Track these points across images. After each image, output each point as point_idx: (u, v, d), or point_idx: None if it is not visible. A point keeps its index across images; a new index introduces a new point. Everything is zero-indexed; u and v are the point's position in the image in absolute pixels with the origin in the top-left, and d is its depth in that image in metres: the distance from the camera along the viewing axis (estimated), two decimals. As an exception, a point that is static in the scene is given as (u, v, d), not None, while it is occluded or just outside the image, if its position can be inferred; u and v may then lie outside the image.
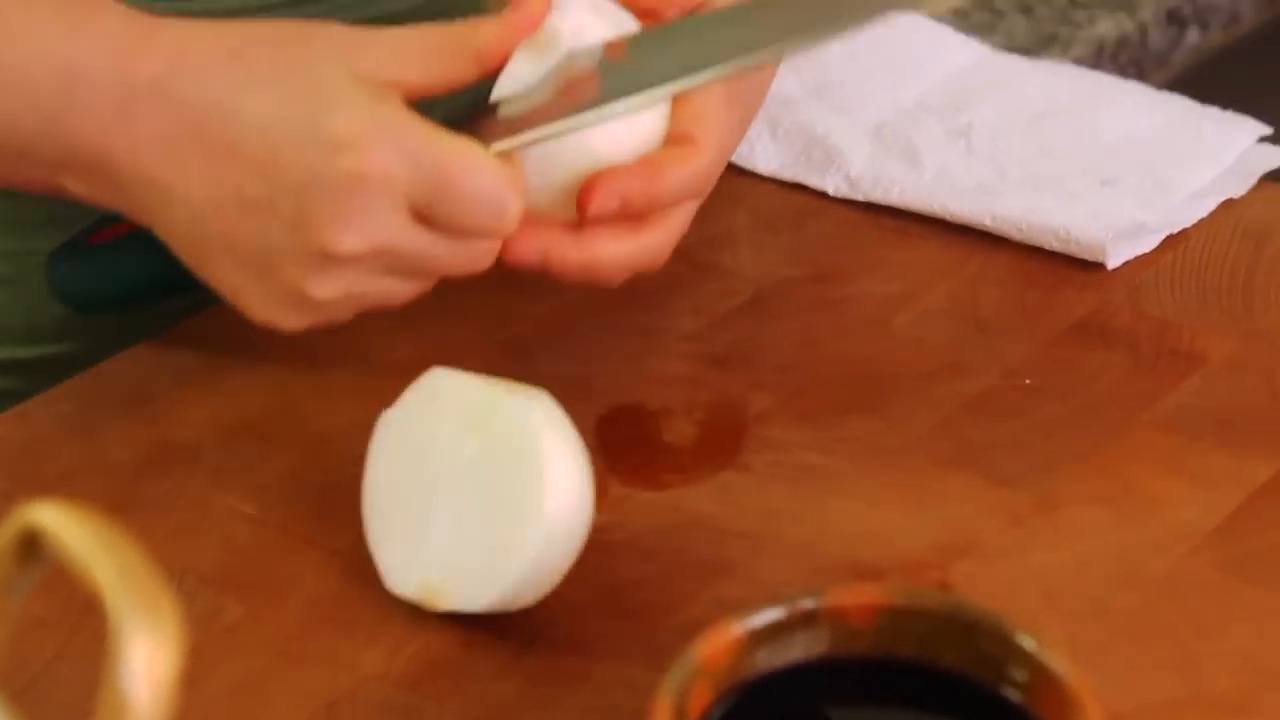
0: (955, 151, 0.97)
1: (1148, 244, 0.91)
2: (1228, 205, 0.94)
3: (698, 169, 0.78)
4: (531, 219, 0.76)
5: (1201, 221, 0.93)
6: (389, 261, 0.74)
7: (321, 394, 0.83)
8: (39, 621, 0.70)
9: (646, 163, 0.77)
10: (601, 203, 0.76)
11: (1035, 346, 0.86)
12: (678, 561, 0.74)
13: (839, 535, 0.76)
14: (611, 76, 0.76)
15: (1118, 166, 0.95)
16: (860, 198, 0.95)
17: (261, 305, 0.76)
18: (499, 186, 0.73)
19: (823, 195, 0.96)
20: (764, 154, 0.98)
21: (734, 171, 0.97)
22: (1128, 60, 1.60)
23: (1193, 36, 1.65)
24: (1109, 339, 0.86)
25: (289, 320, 0.76)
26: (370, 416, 0.81)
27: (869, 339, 0.86)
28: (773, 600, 0.62)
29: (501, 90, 0.77)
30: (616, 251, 0.78)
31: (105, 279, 0.83)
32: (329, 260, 0.73)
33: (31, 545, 0.54)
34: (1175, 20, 1.63)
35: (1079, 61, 1.54)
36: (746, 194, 0.96)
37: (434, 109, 0.75)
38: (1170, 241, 0.92)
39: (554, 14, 0.77)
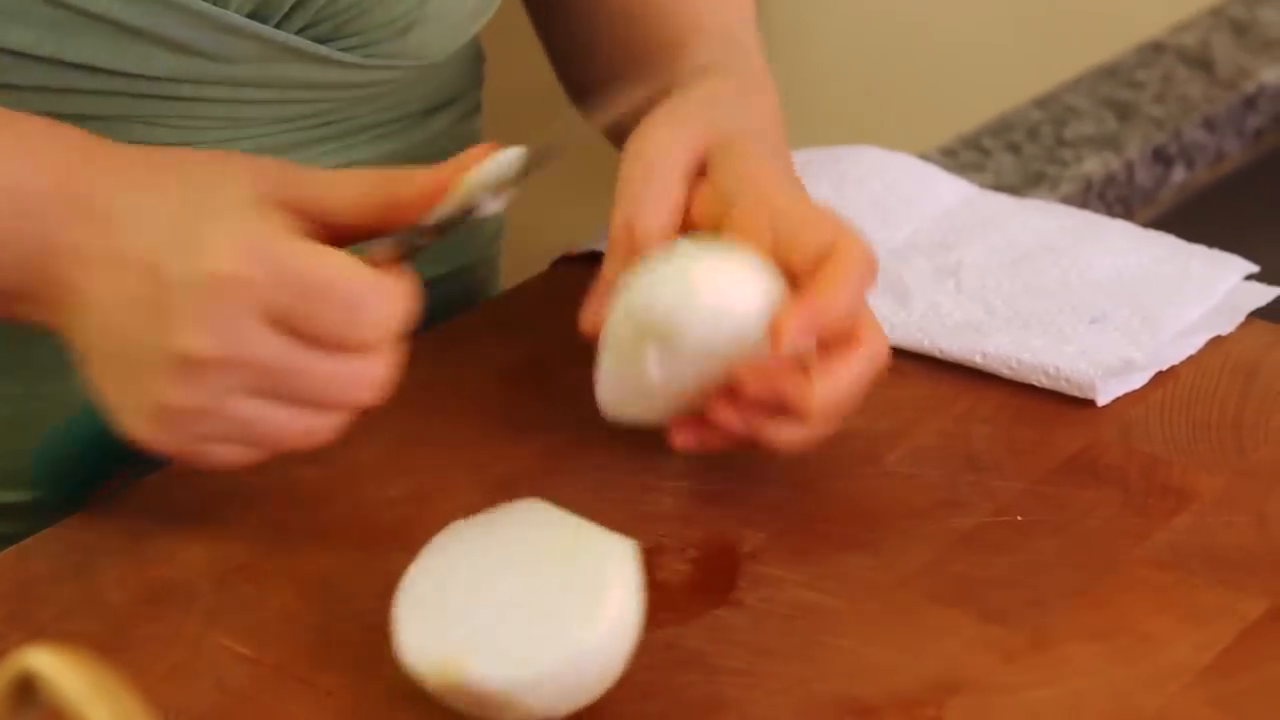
0: (944, 290, 0.97)
1: (1137, 381, 0.92)
2: (1216, 342, 0.94)
3: (855, 260, 0.81)
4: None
5: (1190, 358, 0.93)
6: (249, 375, 0.75)
7: (315, 534, 0.83)
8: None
9: (807, 297, 0.80)
10: (796, 340, 0.79)
11: (1026, 483, 0.86)
12: (672, 700, 0.74)
13: (833, 673, 0.76)
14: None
15: (1106, 304, 0.95)
16: (851, 336, 0.96)
17: (131, 417, 0.77)
18: (357, 288, 0.75)
19: (814, 333, 0.96)
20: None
21: (725, 310, 0.98)
22: (1115, 198, 1.61)
23: (1179, 174, 1.67)
24: (1100, 475, 0.86)
25: (154, 435, 0.77)
26: (364, 556, 0.82)
27: (861, 476, 0.86)
28: (767, 739, 0.62)
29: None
30: (856, 368, 0.81)
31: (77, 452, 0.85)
32: (184, 364, 0.75)
33: (27, 689, 0.54)
34: (1161, 159, 1.65)
35: (1067, 200, 1.55)
36: (738, 332, 0.97)
37: None
38: (1159, 378, 0.92)
39: None
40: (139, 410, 0.77)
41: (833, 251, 0.81)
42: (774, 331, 0.79)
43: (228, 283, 0.74)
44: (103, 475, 0.85)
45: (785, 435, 0.82)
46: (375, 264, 0.77)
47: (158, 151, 0.81)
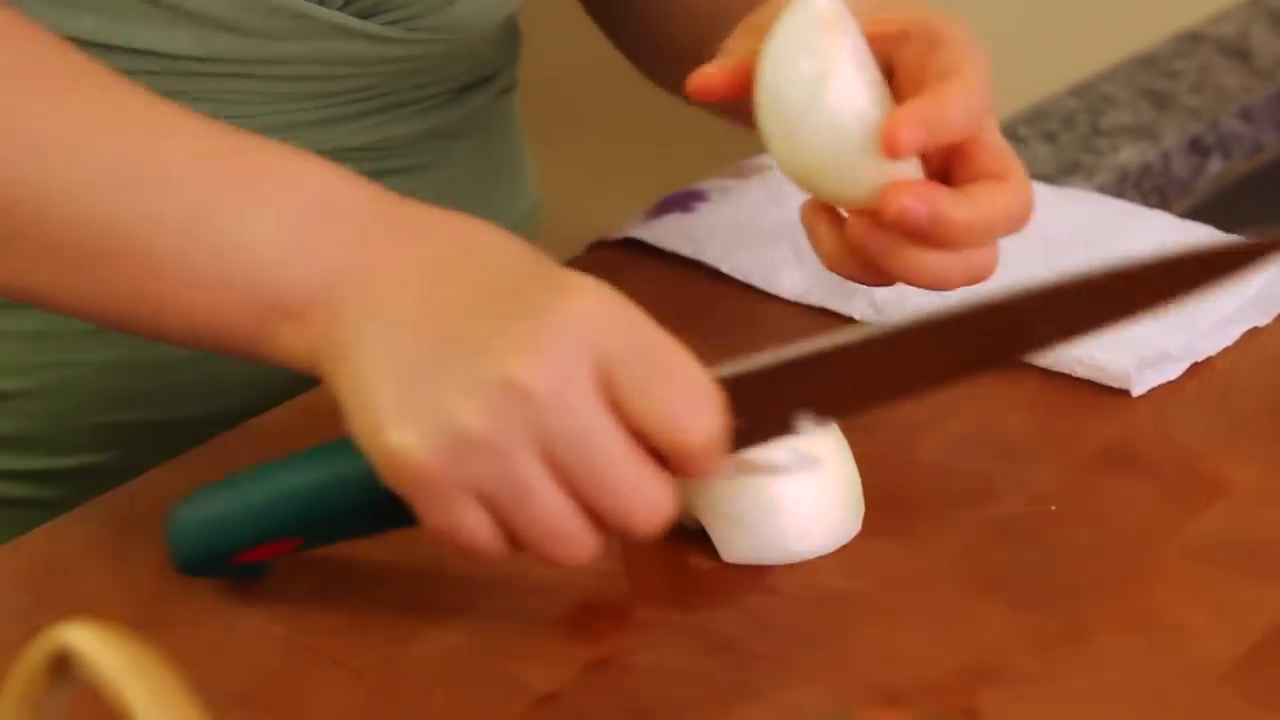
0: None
1: (1173, 372, 0.91)
2: (1252, 333, 0.94)
3: (973, 82, 0.79)
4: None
5: (1226, 349, 0.93)
6: (558, 424, 0.69)
7: (349, 514, 0.83)
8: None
9: (926, 94, 0.78)
10: (906, 133, 0.77)
11: (1061, 473, 0.86)
12: (704, 685, 0.74)
13: (865, 660, 0.76)
14: None
15: (1142, 294, 0.95)
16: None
17: (411, 437, 0.69)
18: (706, 390, 0.71)
19: (848, 320, 0.96)
20: (790, 279, 0.98)
21: (758, 296, 0.98)
22: (1151, 188, 1.61)
23: (1215, 165, 1.66)
24: (1134, 466, 0.86)
25: (433, 464, 0.69)
26: (395, 537, 0.82)
27: (894, 464, 0.86)
28: (800, 726, 0.62)
29: None
30: (998, 202, 0.79)
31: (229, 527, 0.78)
32: (504, 390, 0.68)
33: (62, 666, 0.54)
34: (1198, 149, 1.64)
35: (1103, 189, 1.55)
36: (771, 319, 0.97)
37: None
38: (1195, 369, 0.92)
39: None
40: (426, 432, 0.69)
41: (951, 73, 0.80)
42: (884, 131, 0.77)
43: (583, 319, 0.69)
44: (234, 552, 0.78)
45: (928, 264, 0.80)
46: None
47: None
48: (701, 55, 0.90)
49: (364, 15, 0.90)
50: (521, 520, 0.70)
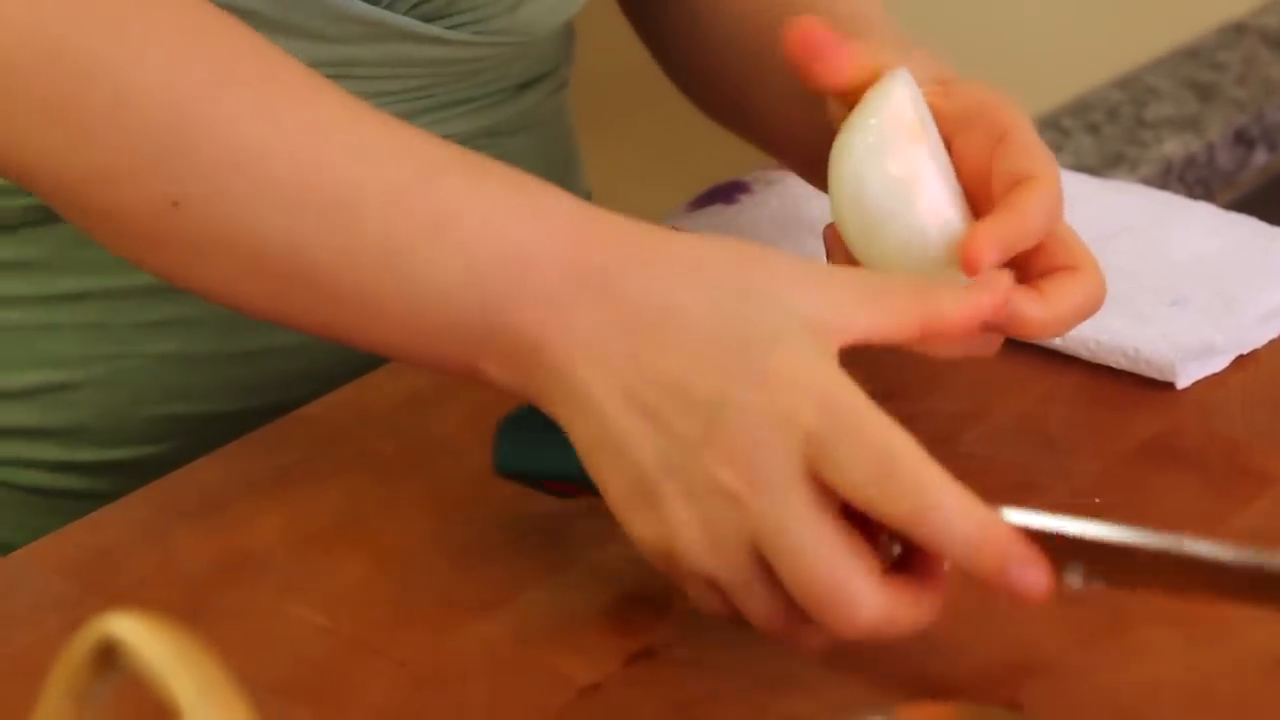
0: (1024, 270, 0.97)
1: (1217, 364, 0.91)
2: (1298, 326, 0.94)
3: (1050, 188, 0.80)
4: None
5: (1272, 342, 0.93)
6: (763, 530, 0.68)
7: (391, 506, 0.84)
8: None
9: (1005, 207, 0.79)
10: (988, 255, 0.77)
11: (1104, 465, 0.85)
12: (746, 677, 0.74)
13: (908, 652, 0.75)
14: None
15: (1187, 286, 0.95)
16: (929, 315, 0.95)
17: (630, 518, 0.71)
18: (934, 477, 0.68)
19: (891, 312, 0.96)
20: (833, 270, 0.98)
21: (803, 288, 0.98)
22: (1195, 180, 1.60)
23: (1260, 156, 1.66)
24: (1179, 459, 0.86)
25: (655, 542, 0.71)
26: (439, 528, 0.82)
27: (937, 456, 0.85)
28: (841, 717, 0.61)
29: None
30: (1072, 296, 0.79)
31: (540, 455, 0.78)
32: (711, 492, 0.69)
33: (108, 655, 0.54)
34: (1243, 140, 1.64)
35: (1146, 181, 1.54)
36: (815, 310, 0.97)
37: None
38: (1240, 362, 0.91)
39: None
40: (655, 532, 0.71)
41: (1026, 179, 0.80)
42: (968, 252, 0.77)
43: (784, 420, 0.68)
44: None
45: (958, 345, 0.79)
46: None
47: (672, 235, 0.73)
48: (745, 96, 0.89)
49: (431, 19, 0.90)
50: (746, 609, 0.71)
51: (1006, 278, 0.76)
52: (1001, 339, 0.82)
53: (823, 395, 0.69)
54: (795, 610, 0.70)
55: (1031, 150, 0.81)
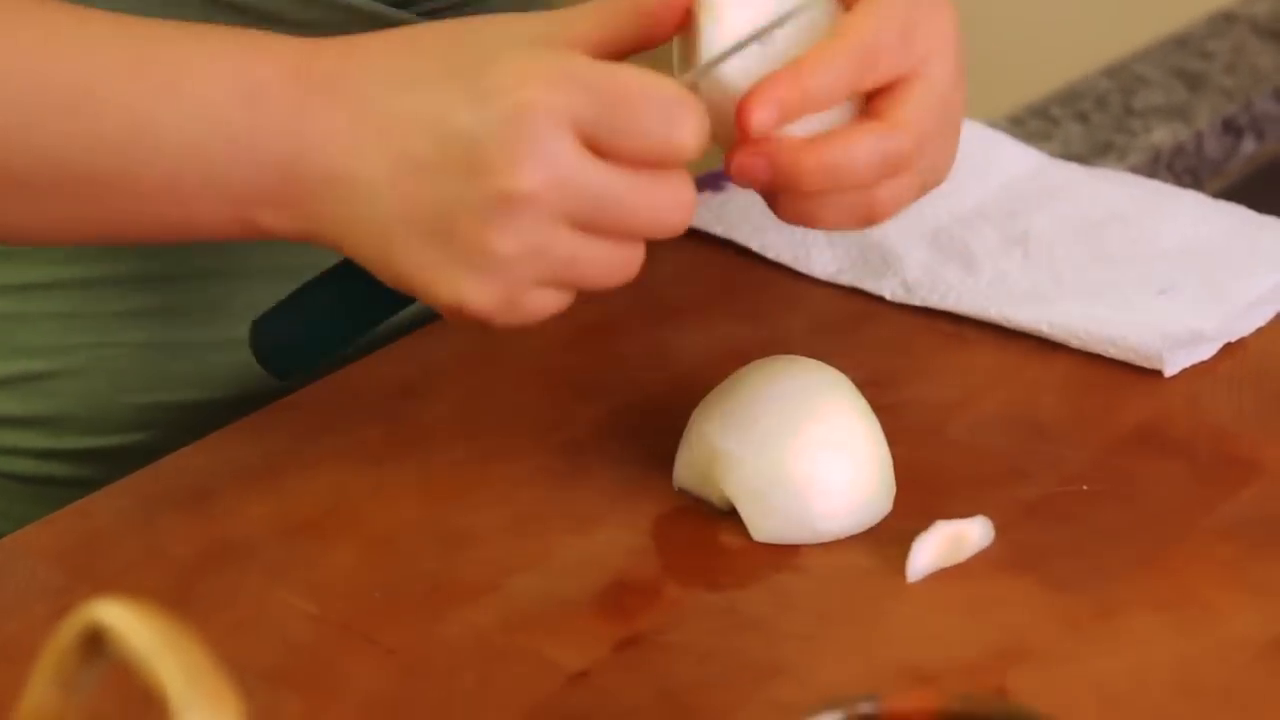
0: (1011, 258, 0.97)
1: (1205, 352, 0.91)
2: (1285, 314, 0.94)
3: (849, 43, 0.76)
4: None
5: (1259, 330, 0.93)
6: (570, 203, 0.72)
7: (380, 493, 0.84)
8: (99, 718, 0.70)
9: (793, 64, 0.76)
10: (758, 114, 0.74)
11: (1092, 453, 0.86)
12: (734, 663, 0.74)
13: (895, 639, 0.76)
14: None
15: (1175, 274, 0.95)
16: (917, 303, 0.95)
17: (446, 280, 0.73)
18: (671, 100, 0.71)
19: (879, 300, 0.96)
20: (821, 259, 0.98)
21: (790, 275, 0.98)
22: (1184, 169, 1.60)
23: (1249, 145, 1.66)
24: (1167, 446, 0.86)
25: (477, 291, 0.73)
26: (427, 515, 0.82)
27: (925, 444, 0.86)
28: (829, 704, 0.62)
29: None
30: (859, 147, 0.76)
31: (302, 329, 0.82)
32: (508, 203, 0.71)
33: (95, 642, 0.54)
34: (1231, 129, 1.64)
35: (1135, 169, 1.55)
36: (803, 298, 0.97)
37: None
38: (1228, 350, 0.92)
39: None
40: (463, 269, 0.73)
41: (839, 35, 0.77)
42: (740, 110, 0.75)
43: (533, 108, 0.71)
44: (323, 353, 0.82)
45: (801, 207, 0.78)
46: None
47: (394, 30, 0.77)
48: None
49: (401, 5, 0.90)
50: (573, 278, 0.74)
51: None
52: (888, 202, 0.79)
53: (555, 74, 0.71)
54: (615, 251, 0.73)
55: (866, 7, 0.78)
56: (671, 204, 0.73)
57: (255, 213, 0.76)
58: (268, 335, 0.82)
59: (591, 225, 0.73)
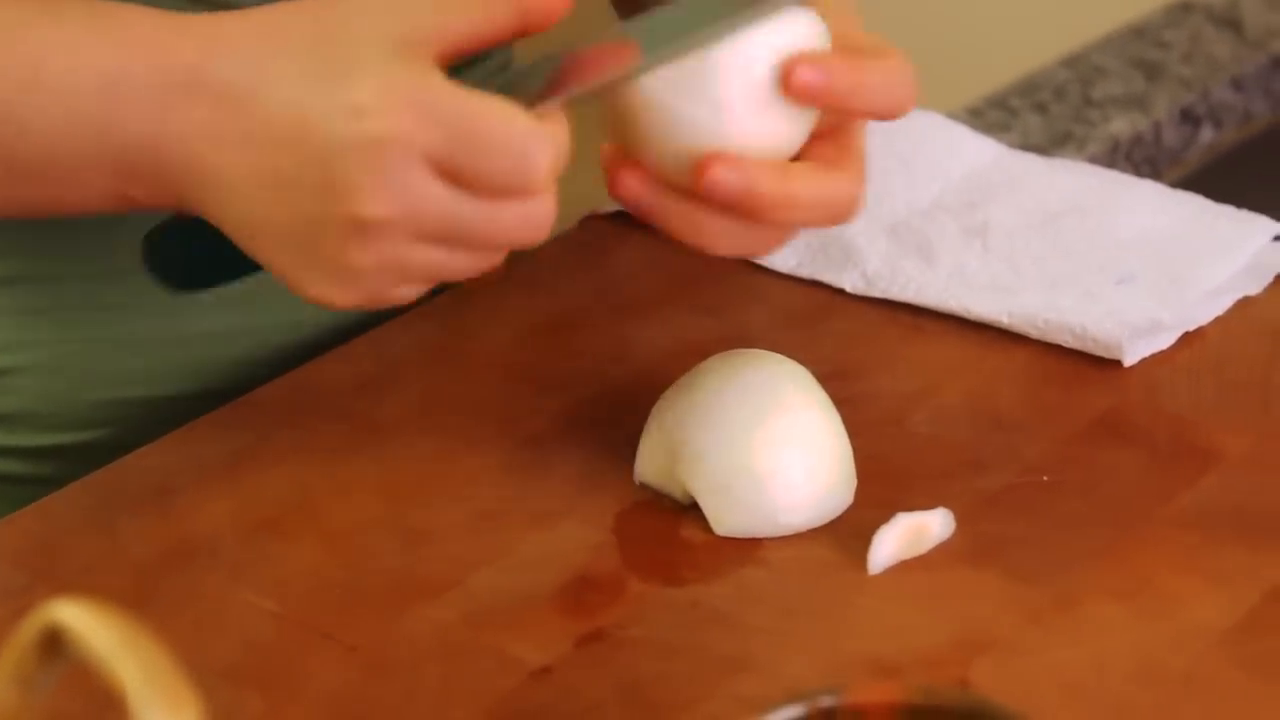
0: (971, 249, 0.97)
1: (1164, 341, 0.91)
2: (1244, 303, 0.94)
3: (899, 68, 0.78)
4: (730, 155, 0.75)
5: (1218, 319, 0.93)
6: (425, 227, 0.73)
7: (341, 490, 0.84)
8: (59, 718, 0.70)
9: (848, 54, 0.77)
10: (809, 76, 0.76)
11: (1052, 443, 0.86)
12: (697, 658, 0.75)
13: (858, 632, 0.76)
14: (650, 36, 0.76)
15: (1134, 264, 0.95)
16: (877, 295, 0.96)
17: (310, 282, 0.75)
18: (522, 136, 0.72)
19: (839, 292, 0.96)
20: (781, 252, 0.98)
21: (751, 268, 0.98)
22: (1142, 158, 1.61)
23: (1206, 135, 1.66)
24: (1126, 436, 0.86)
25: (340, 295, 0.75)
26: (388, 512, 0.82)
27: (885, 436, 0.86)
28: (792, 697, 0.62)
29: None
30: (817, 187, 0.77)
31: (197, 249, 0.81)
32: (361, 227, 0.73)
33: (54, 642, 0.54)
34: (1189, 119, 1.64)
35: (1093, 160, 1.55)
36: (764, 290, 0.97)
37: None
38: (1187, 339, 0.92)
39: None
40: (320, 276, 0.75)
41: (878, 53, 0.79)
42: (786, 66, 0.76)
43: (391, 141, 0.71)
44: (217, 270, 0.81)
45: (706, 228, 0.78)
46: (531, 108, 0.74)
47: (257, 10, 0.76)
48: None
49: None
50: (438, 275, 0.75)
51: None
52: (778, 241, 0.80)
53: (412, 104, 0.72)
54: (474, 258, 0.75)
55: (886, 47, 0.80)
56: (525, 225, 0.74)
57: (127, 189, 0.77)
58: (161, 247, 0.81)
59: (447, 242, 0.74)
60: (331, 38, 0.74)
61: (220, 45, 0.75)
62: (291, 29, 0.74)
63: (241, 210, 0.75)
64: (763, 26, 0.76)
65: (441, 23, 0.74)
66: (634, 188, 0.77)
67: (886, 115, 0.79)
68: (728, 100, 0.76)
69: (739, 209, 0.77)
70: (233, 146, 0.74)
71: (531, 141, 0.72)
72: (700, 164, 0.76)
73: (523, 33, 0.75)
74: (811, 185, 0.77)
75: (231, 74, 0.74)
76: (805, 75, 0.76)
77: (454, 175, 0.72)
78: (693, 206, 0.77)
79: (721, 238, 0.78)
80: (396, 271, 0.74)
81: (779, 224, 0.78)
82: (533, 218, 0.74)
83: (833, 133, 0.80)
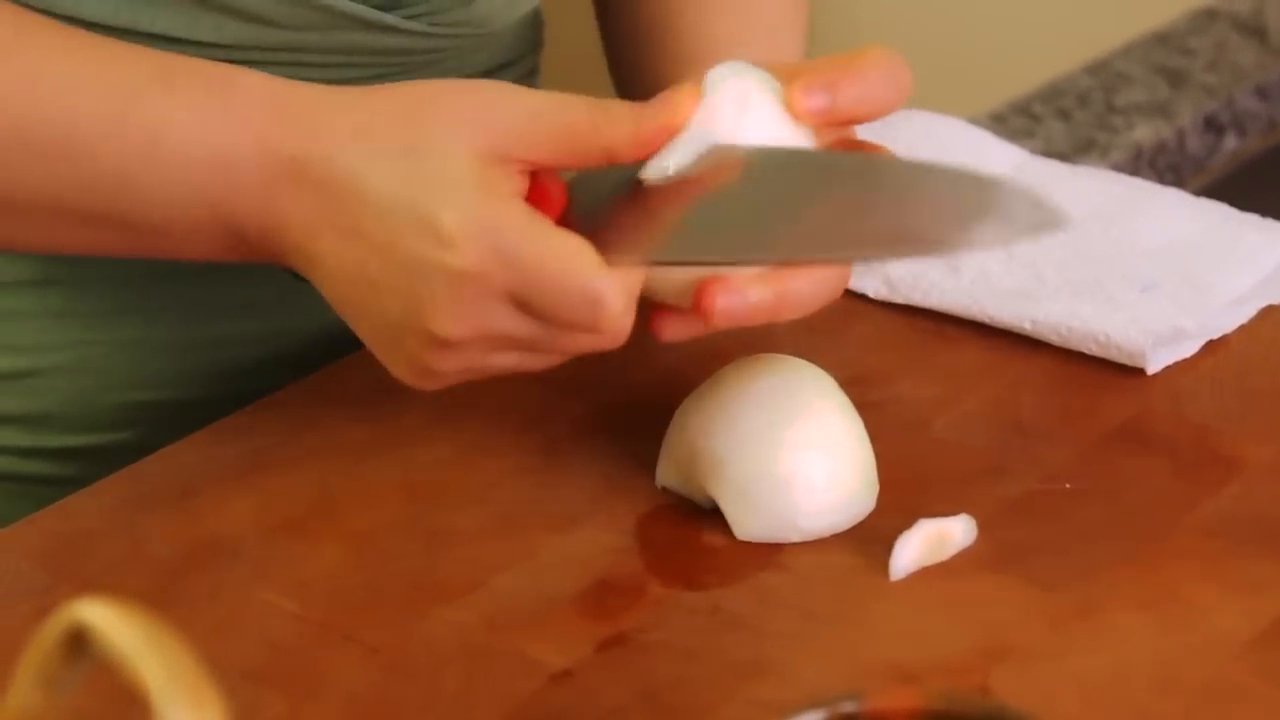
0: (995, 256, 0.97)
1: (1188, 349, 0.91)
2: (1268, 311, 0.94)
3: (900, 69, 0.79)
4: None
5: (1242, 327, 0.93)
6: (503, 343, 0.77)
7: (362, 492, 0.84)
8: (82, 717, 0.70)
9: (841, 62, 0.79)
10: (813, 102, 0.78)
11: (1075, 450, 0.86)
12: (717, 662, 0.75)
13: (878, 638, 0.76)
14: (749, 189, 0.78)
15: (1157, 272, 0.95)
16: (900, 300, 0.96)
17: (395, 369, 0.79)
18: (595, 286, 0.75)
19: (862, 298, 0.96)
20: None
21: (774, 273, 0.98)
22: (1166, 166, 1.61)
23: (1230, 142, 1.66)
24: (1149, 444, 0.86)
25: (422, 385, 0.80)
26: (410, 514, 0.82)
27: (908, 441, 0.86)
28: (812, 703, 0.62)
29: (648, 172, 0.78)
30: (807, 277, 0.80)
31: None
32: (440, 342, 0.77)
33: (78, 642, 0.54)
34: (1213, 127, 1.64)
35: (1117, 167, 1.55)
36: (786, 296, 0.97)
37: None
38: (1210, 347, 0.92)
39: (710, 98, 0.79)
40: (404, 369, 0.79)
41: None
42: (791, 93, 0.78)
43: (472, 277, 0.75)
44: None
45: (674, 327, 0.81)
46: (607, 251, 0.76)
47: (349, 98, 0.79)
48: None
49: (385, 8, 0.89)
50: (516, 370, 0.80)
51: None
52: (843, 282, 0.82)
53: (489, 246, 0.75)
54: (584, 337, 0.77)
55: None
56: (596, 347, 0.78)
57: (239, 249, 0.81)
58: None
59: (520, 350, 0.78)
60: (420, 148, 0.77)
61: (321, 143, 0.78)
62: (384, 133, 0.77)
63: (340, 293, 0.79)
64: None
65: (527, 151, 0.77)
66: (679, 330, 0.81)
67: (887, 111, 0.80)
68: None
69: (746, 324, 0.80)
70: (332, 239, 0.77)
71: (604, 290, 0.75)
72: (696, 294, 0.78)
73: (607, 162, 0.78)
74: (801, 277, 0.79)
75: (328, 172, 0.77)
76: (811, 101, 0.78)
77: (528, 309, 0.76)
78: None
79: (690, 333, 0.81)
80: (474, 372, 0.79)
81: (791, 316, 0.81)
82: (604, 343, 0.78)
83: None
